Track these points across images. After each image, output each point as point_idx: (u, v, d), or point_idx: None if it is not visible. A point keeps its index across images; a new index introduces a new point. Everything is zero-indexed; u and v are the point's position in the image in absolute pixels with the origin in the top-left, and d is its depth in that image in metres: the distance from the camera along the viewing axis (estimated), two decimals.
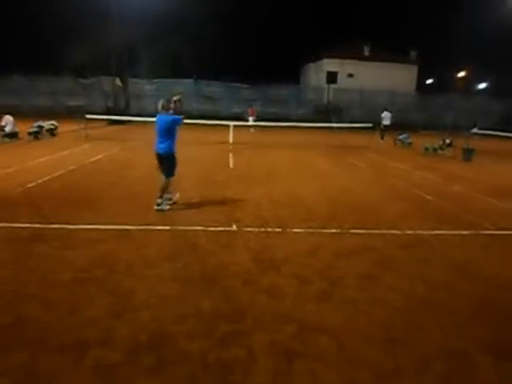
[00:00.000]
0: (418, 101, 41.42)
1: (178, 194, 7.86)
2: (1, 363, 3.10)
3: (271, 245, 5.85)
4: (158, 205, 7.31)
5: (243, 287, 4.50)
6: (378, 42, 48.05)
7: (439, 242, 6.32)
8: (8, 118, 16.29)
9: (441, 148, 17.66)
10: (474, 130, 24.61)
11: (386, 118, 22.74)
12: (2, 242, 5.56)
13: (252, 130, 25.67)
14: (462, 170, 14.10)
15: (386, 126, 22.65)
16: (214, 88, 38.21)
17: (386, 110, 23.15)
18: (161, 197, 7.37)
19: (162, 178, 7.45)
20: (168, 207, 7.42)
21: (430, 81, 53.32)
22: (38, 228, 6.09)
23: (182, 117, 7.42)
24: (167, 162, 7.41)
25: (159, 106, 7.38)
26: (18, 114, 17.54)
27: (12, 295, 4.12)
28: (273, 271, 4.95)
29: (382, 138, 22.40)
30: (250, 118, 26.09)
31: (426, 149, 18.03)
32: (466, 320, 4.03)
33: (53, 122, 18.58)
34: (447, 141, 17.58)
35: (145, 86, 37.04)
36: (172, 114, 7.32)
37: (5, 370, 3.03)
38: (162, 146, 7.35)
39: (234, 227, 6.56)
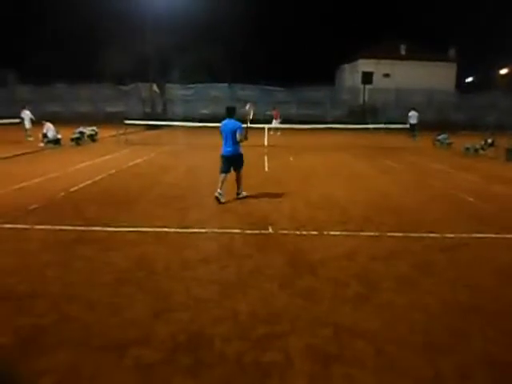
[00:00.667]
0: (457, 100, 40.21)
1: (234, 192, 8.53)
2: (45, 361, 3.22)
3: (307, 248, 5.83)
4: (239, 194, 8.54)
5: (279, 290, 4.50)
6: (415, 41, 47.04)
7: (482, 246, 6.11)
8: (48, 125, 17.02)
9: (482, 148, 17.05)
10: None
11: (413, 117, 23.41)
12: (48, 243, 5.80)
13: (272, 132, 23.94)
14: (505, 170, 13.56)
15: (412, 125, 23.28)
16: (249, 91, 38.46)
17: (414, 109, 23.88)
18: (239, 187, 8.56)
19: (222, 175, 8.21)
20: (245, 193, 8.62)
21: (470, 79, 51.62)
22: (81, 230, 6.32)
23: (243, 133, 8.17)
24: (238, 161, 8.37)
25: (227, 113, 8.29)
26: (59, 121, 18.24)
27: (57, 295, 4.29)
28: (309, 274, 4.93)
29: (413, 136, 22.91)
30: (274, 121, 25.03)
31: (467, 149, 17.46)
32: (510, 327, 3.88)
33: (93, 128, 19.23)
34: (489, 140, 16.96)
35: (180, 92, 37.75)
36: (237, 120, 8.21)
37: (49, 368, 3.15)
38: (230, 149, 8.18)
39: (270, 230, 6.58)
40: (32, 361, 3.24)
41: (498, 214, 7.88)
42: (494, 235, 6.57)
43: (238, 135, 8.07)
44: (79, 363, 3.20)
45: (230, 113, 8.26)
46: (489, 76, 48.05)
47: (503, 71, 47.22)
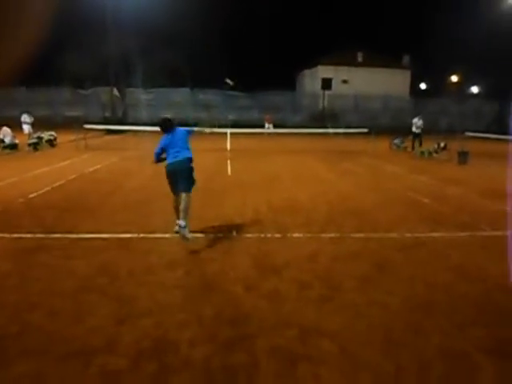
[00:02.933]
0: (412, 105, 41.70)
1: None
2: (7, 372, 3.13)
3: (271, 250, 5.91)
4: (183, 227, 5.75)
5: (244, 293, 4.55)
6: (371, 49, 48.50)
7: (436, 244, 6.40)
8: (6, 130, 16.41)
9: (436, 151, 17.78)
10: None
11: (417, 124, 20.06)
12: (6, 252, 5.61)
13: (267, 135, 27.31)
14: (457, 172, 14.21)
15: (415, 134, 20.11)
16: (210, 96, 38.48)
17: (418, 115, 20.78)
18: (184, 217, 5.85)
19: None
20: (191, 235, 5.96)
21: (423, 86, 53.71)
22: (41, 238, 6.14)
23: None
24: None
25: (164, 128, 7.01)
26: (17, 125, 17.60)
27: (17, 305, 4.17)
28: (273, 276, 5.01)
29: (413, 148, 19.94)
30: (266, 125, 27.69)
31: (422, 152, 18.16)
32: (465, 321, 4.08)
33: (52, 132, 18.67)
34: (442, 144, 17.71)
35: (141, 96, 37.24)
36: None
37: (11, 378, 3.07)
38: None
39: (234, 233, 6.63)
40: None
41: (452, 213, 8.26)
42: (447, 234, 6.89)
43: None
44: (44, 372, 3.13)
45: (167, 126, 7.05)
46: (440, 83, 50.28)
47: (453, 78, 49.51)
